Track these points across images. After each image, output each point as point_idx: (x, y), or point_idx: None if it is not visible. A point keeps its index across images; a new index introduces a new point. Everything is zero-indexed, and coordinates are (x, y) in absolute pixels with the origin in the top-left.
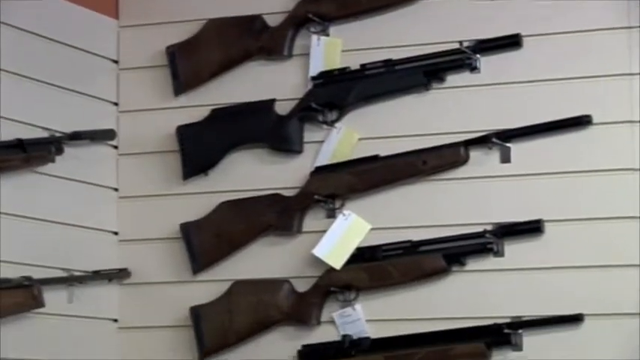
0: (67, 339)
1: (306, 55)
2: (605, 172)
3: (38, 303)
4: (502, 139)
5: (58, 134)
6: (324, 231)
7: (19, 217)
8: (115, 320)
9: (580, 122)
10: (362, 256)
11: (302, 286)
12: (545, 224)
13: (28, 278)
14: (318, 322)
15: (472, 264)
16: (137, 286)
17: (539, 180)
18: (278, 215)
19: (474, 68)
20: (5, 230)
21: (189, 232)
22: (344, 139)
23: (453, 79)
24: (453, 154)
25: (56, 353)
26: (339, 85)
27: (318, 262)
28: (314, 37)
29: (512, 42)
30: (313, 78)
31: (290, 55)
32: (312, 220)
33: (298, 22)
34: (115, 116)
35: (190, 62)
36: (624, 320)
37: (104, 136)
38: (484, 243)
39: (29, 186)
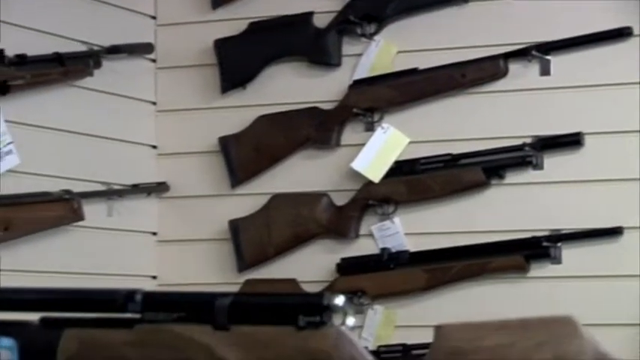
0: (107, 252)
1: None
2: None
3: (78, 216)
4: (542, 51)
5: (96, 48)
6: (363, 144)
7: (58, 130)
8: (154, 233)
9: (621, 34)
10: (401, 169)
11: (340, 200)
12: (585, 137)
13: (68, 192)
14: (357, 236)
15: (511, 177)
16: (176, 199)
17: (578, 92)
18: (316, 129)
19: None
20: (45, 144)
21: (227, 145)
22: (383, 51)
23: None
24: (492, 66)
25: (96, 266)
26: None
27: (356, 175)
28: None
29: None
30: None
31: None
32: (350, 134)
33: None
34: (153, 30)
35: None
36: None
37: (142, 49)
38: (523, 156)
39: (67, 100)
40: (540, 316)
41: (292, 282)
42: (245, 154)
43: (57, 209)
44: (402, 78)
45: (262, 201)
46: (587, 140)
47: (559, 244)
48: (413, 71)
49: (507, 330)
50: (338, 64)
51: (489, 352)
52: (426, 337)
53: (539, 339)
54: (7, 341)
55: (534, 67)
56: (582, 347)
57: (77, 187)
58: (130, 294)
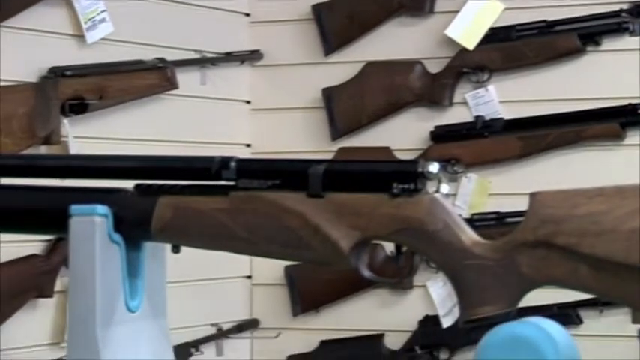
0: (200, 120)
1: None
2: None
3: (172, 84)
4: None
5: None
6: (457, 11)
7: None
8: (248, 102)
9: None
10: (495, 36)
11: (434, 67)
12: None
13: (162, 60)
14: (451, 103)
15: (607, 44)
16: (269, 67)
17: None
18: None
19: None
20: (138, 12)
21: (320, 13)
22: None
23: None
24: None
25: (189, 134)
26: None
27: (450, 42)
28: None
29: None
30: None
31: None
32: (444, 0)
33: None
34: None
35: None
36: None
37: None
38: (620, 22)
39: None
40: (635, 184)
41: (386, 150)
42: (338, 22)
43: (151, 77)
44: None
45: (356, 69)
46: None
47: None
48: None
49: (602, 197)
50: None
51: (584, 219)
52: (520, 205)
53: (634, 206)
54: (102, 209)
55: None
56: None
57: (171, 56)
58: (224, 161)
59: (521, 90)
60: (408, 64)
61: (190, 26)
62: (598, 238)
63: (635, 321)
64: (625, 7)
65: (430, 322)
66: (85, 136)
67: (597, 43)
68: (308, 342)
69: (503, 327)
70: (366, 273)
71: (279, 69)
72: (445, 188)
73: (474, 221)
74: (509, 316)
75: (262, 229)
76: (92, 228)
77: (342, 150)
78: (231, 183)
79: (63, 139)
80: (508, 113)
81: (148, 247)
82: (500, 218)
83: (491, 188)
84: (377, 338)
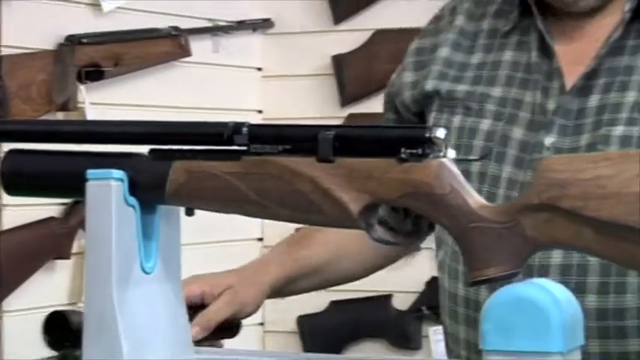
0: (213, 86)
1: None
2: None
3: (185, 52)
4: None
5: None
6: None
7: None
8: (259, 69)
9: None
10: None
11: None
12: None
13: (176, 28)
14: None
15: None
16: (280, 35)
17: None
18: None
19: None
20: None
21: None
22: None
23: None
24: None
25: (202, 100)
26: None
27: None
28: None
29: None
30: None
31: None
32: None
33: None
34: None
35: None
36: None
37: None
38: None
39: None
40: None
41: None
42: None
43: (165, 45)
44: None
45: (365, 37)
46: None
47: None
48: None
49: (608, 162)
50: None
51: (589, 182)
52: None
53: (638, 171)
54: (118, 173)
55: None
56: None
57: (184, 24)
58: (236, 127)
59: None
60: (417, 32)
61: None
62: (603, 201)
63: None
64: None
65: (437, 283)
66: (101, 102)
67: None
68: (317, 302)
69: (507, 288)
70: (375, 236)
71: (290, 37)
72: (452, 153)
73: None
74: (514, 278)
75: (273, 193)
76: (108, 192)
77: (352, 116)
78: (244, 148)
79: (80, 105)
80: None
81: (163, 210)
82: None
83: None
84: (385, 299)
